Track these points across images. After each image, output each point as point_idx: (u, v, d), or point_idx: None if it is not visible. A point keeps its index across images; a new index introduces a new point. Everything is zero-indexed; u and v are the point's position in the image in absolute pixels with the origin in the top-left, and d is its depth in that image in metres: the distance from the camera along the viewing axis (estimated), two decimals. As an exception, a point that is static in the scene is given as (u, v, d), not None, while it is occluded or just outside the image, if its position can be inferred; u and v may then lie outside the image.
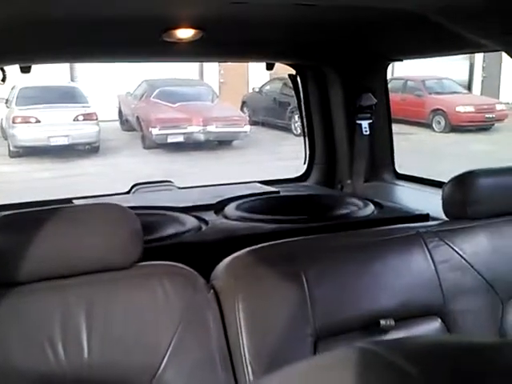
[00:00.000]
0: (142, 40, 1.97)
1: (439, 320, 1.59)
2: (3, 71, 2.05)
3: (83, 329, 1.25)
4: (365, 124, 2.61)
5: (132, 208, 1.44)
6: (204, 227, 2.04)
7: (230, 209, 2.24)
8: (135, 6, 1.55)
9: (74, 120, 10.85)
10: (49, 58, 2.27)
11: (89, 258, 1.29)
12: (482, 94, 16.79)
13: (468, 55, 15.05)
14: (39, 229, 1.24)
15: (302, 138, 2.92)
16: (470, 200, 1.70)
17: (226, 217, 2.17)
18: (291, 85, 2.85)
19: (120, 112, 13.40)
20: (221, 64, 14.39)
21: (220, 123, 11.55)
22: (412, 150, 9.42)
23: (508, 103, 15.11)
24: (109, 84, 13.09)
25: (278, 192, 2.60)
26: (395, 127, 2.85)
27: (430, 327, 1.57)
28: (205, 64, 14.47)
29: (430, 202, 2.14)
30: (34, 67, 2.19)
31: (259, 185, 2.73)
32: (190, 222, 2.04)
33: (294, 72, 2.79)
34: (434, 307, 1.59)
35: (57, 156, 10.51)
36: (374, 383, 0.50)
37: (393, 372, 0.50)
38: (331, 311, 1.46)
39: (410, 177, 2.80)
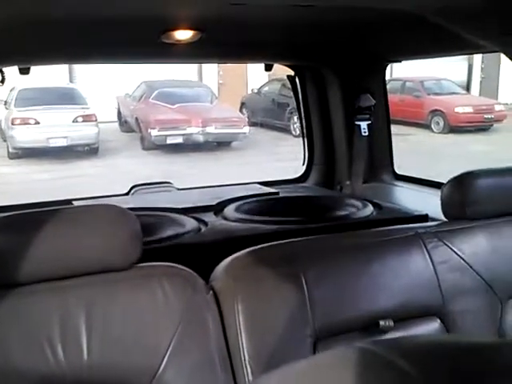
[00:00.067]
0: (140, 41, 1.97)
1: (438, 320, 1.59)
2: (2, 73, 2.05)
3: (83, 330, 1.25)
4: (363, 125, 2.61)
5: (131, 209, 1.44)
6: (203, 228, 2.05)
7: (230, 210, 2.24)
8: (134, 7, 1.55)
9: (73, 121, 10.85)
10: (48, 59, 2.27)
11: (88, 259, 1.29)
12: (480, 95, 16.81)
13: (467, 56, 15.06)
14: (39, 230, 1.24)
15: (300, 138, 2.92)
16: (468, 200, 1.70)
17: (225, 218, 2.17)
18: (290, 86, 2.85)
19: (119, 113, 13.40)
20: (220, 65, 14.39)
21: (219, 124, 11.55)
22: (411, 150, 9.43)
23: (507, 104, 15.13)
24: (108, 85, 13.09)
25: (277, 193, 2.60)
26: (394, 128, 2.85)
27: (430, 328, 1.57)
28: (204, 65, 14.47)
29: (429, 203, 2.14)
30: (33, 69, 2.19)
31: (258, 186, 2.73)
32: (190, 223, 2.05)
33: (292, 73, 2.79)
34: (433, 308, 1.59)
35: (56, 157, 10.50)
36: (373, 383, 0.50)
37: (392, 372, 0.50)
38: (330, 312, 1.46)
39: (409, 177, 2.80)
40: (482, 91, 17.41)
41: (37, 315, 1.24)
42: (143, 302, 1.31)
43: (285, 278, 1.46)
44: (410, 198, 2.60)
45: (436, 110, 13.59)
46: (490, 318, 1.65)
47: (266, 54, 2.49)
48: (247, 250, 1.51)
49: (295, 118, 11.52)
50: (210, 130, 11.49)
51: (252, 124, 13.02)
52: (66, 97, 11.28)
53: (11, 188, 7.78)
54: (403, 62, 2.62)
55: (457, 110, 13.33)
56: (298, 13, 1.58)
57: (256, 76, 13.65)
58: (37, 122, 10.66)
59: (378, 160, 2.77)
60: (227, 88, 15.27)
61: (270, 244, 1.56)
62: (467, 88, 17.15)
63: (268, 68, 2.66)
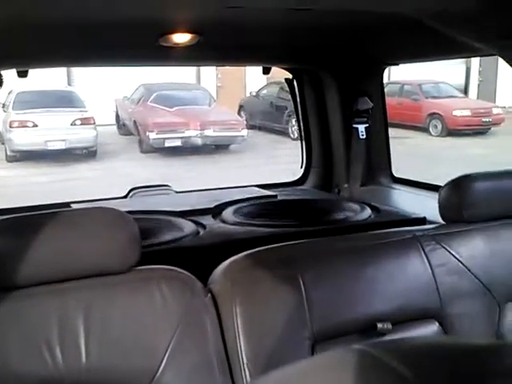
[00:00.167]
0: (139, 44, 1.97)
1: (436, 323, 1.59)
2: (0, 76, 2.05)
3: (81, 332, 1.25)
4: (361, 128, 2.61)
5: (130, 212, 1.44)
6: (201, 231, 2.05)
7: (228, 213, 2.24)
8: (132, 10, 1.56)
9: (71, 124, 10.84)
10: (46, 62, 2.27)
11: (87, 262, 1.29)
12: (478, 98, 16.83)
13: (464, 59, 15.11)
14: (37, 233, 1.24)
15: (298, 141, 2.92)
16: (466, 203, 1.71)
17: (223, 221, 2.17)
18: (288, 89, 2.85)
19: (117, 116, 13.40)
20: (218, 68, 14.40)
21: (217, 127, 11.55)
22: (408, 153, 9.43)
23: (504, 107, 15.15)
24: (106, 88, 13.09)
25: (275, 196, 2.60)
26: (392, 131, 2.85)
27: (428, 330, 1.57)
28: (202, 68, 14.49)
29: (427, 206, 2.14)
30: (31, 71, 2.19)
31: (257, 189, 2.73)
32: (188, 226, 2.05)
33: (290, 76, 2.79)
34: (431, 310, 1.59)
35: (54, 160, 10.49)
36: None
37: (389, 374, 0.50)
38: (328, 314, 1.46)
39: (407, 180, 2.81)
40: (479, 94, 17.44)
41: (35, 318, 1.24)
42: (142, 304, 1.31)
43: (283, 281, 1.46)
44: (408, 201, 2.60)
45: (434, 114, 13.61)
46: (488, 321, 1.65)
47: (264, 57, 2.49)
48: (245, 252, 1.51)
49: (293, 121, 11.51)
50: (209, 132, 11.49)
51: (250, 127, 13.03)
52: (64, 100, 11.28)
53: (9, 191, 7.77)
54: (401, 66, 2.63)
55: (455, 113, 13.36)
56: (295, 16, 1.58)
57: (254, 79, 13.66)
58: (35, 125, 10.65)
59: (376, 163, 2.78)
60: (225, 91, 15.28)
61: (268, 247, 1.56)
62: (465, 91, 17.18)
63: (266, 71, 2.66)
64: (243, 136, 11.85)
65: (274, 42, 2.16)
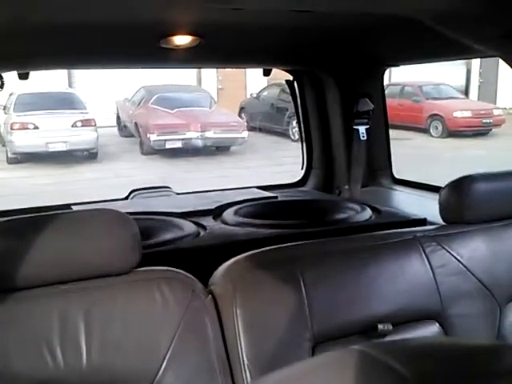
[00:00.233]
0: (139, 46, 1.98)
1: (437, 324, 1.59)
2: (1, 78, 2.06)
3: (82, 334, 1.25)
4: (362, 129, 2.61)
5: (130, 214, 1.44)
6: (202, 233, 2.05)
7: (229, 214, 2.24)
8: (133, 12, 1.56)
9: (72, 126, 10.85)
10: (47, 65, 2.28)
11: (87, 263, 1.29)
12: (479, 100, 16.84)
13: (465, 61, 15.11)
14: (38, 234, 1.24)
15: (299, 143, 2.92)
16: (466, 204, 1.71)
17: (224, 222, 2.18)
18: (289, 90, 2.86)
19: (118, 118, 13.40)
20: (219, 70, 14.43)
21: (218, 129, 11.56)
22: (407, 154, 9.43)
23: (505, 108, 15.16)
24: (107, 90, 13.10)
25: (276, 197, 2.60)
26: (392, 132, 2.86)
27: (428, 331, 1.57)
28: (203, 70, 14.50)
29: (428, 207, 2.14)
30: (32, 73, 2.19)
31: (257, 190, 2.73)
32: (189, 227, 2.05)
33: (291, 77, 2.80)
34: (431, 311, 1.59)
35: (55, 162, 10.50)
36: None
37: (389, 375, 0.50)
38: (329, 316, 1.46)
39: (408, 182, 2.81)
40: (480, 96, 17.44)
41: (36, 319, 1.24)
42: (142, 306, 1.32)
43: (283, 282, 1.46)
44: (409, 202, 2.60)
45: (435, 115, 13.61)
46: (489, 322, 1.65)
47: (265, 59, 2.49)
48: (246, 254, 1.51)
49: (294, 123, 11.51)
50: (209, 134, 11.49)
51: (251, 128, 13.03)
52: (64, 102, 11.29)
53: (10, 192, 7.78)
54: (402, 67, 2.63)
55: (455, 114, 13.36)
56: (296, 18, 1.59)
57: (255, 81, 13.67)
58: (36, 127, 10.66)
59: (377, 164, 2.78)
60: (226, 93, 15.29)
61: (268, 248, 1.56)
62: (466, 92, 17.18)
63: (266, 73, 2.66)
64: (244, 138, 11.85)
65: (275, 44, 2.16)
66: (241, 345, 1.36)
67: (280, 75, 2.95)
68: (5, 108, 11.30)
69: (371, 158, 2.73)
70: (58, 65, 2.53)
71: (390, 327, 1.47)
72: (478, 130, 13.43)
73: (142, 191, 2.67)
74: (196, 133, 11.46)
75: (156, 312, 1.31)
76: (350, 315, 1.50)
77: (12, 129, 10.63)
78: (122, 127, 13.18)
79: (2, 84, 2.07)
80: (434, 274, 1.60)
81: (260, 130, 13.61)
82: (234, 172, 9.62)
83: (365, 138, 2.62)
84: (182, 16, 1.67)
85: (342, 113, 2.65)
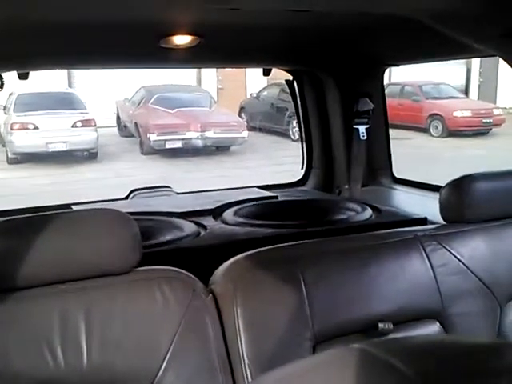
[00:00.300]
0: (139, 46, 1.98)
1: (437, 323, 1.59)
2: (1, 78, 2.06)
3: (82, 333, 1.25)
4: (362, 129, 2.61)
5: (130, 213, 1.44)
6: (202, 232, 2.05)
7: (229, 214, 2.24)
8: (133, 12, 1.56)
9: (72, 126, 10.85)
10: (47, 64, 2.28)
11: (88, 263, 1.30)
12: (478, 99, 16.83)
13: (465, 60, 15.10)
14: (38, 234, 1.24)
15: (299, 143, 2.92)
16: (467, 204, 1.71)
17: (224, 222, 2.18)
18: (288, 90, 2.86)
19: (118, 118, 13.41)
20: (219, 70, 14.43)
21: (218, 129, 11.56)
22: (406, 154, 9.43)
23: (505, 108, 15.15)
24: (107, 90, 13.10)
25: (276, 197, 2.60)
26: (392, 132, 2.86)
27: (429, 330, 1.57)
28: (203, 70, 14.50)
29: (428, 206, 2.14)
30: (32, 74, 2.19)
31: (257, 190, 2.74)
32: (189, 227, 2.05)
33: (291, 77, 2.80)
34: (432, 311, 1.59)
35: (55, 162, 10.50)
36: None
37: (390, 373, 0.50)
38: (330, 315, 1.47)
39: (408, 181, 2.81)
40: (480, 95, 17.44)
41: (37, 319, 1.24)
42: (143, 305, 1.32)
43: (284, 282, 1.46)
44: (409, 202, 2.60)
45: (435, 114, 13.61)
46: (490, 321, 1.65)
47: (265, 59, 2.49)
48: (246, 253, 1.51)
49: (294, 123, 11.53)
50: (209, 134, 11.50)
51: (251, 128, 13.03)
52: (64, 102, 11.29)
53: (10, 192, 7.78)
54: (402, 67, 2.63)
55: (455, 114, 13.36)
56: (295, 18, 1.59)
57: (255, 81, 13.67)
58: (36, 127, 10.66)
59: (377, 164, 2.78)
60: (226, 93, 15.29)
61: (268, 247, 1.56)
62: (466, 92, 17.18)
63: (266, 73, 2.66)
64: (244, 137, 11.85)
65: (275, 44, 2.16)
66: (241, 344, 1.36)
67: (280, 75, 2.95)
68: (5, 108, 11.30)
69: (371, 157, 2.73)
70: (58, 65, 2.53)
71: (391, 326, 1.48)
72: (478, 130, 13.43)
73: (142, 191, 2.67)
74: (196, 133, 11.47)
75: (156, 311, 1.31)
76: (350, 314, 1.50)
77: (12, 129, 10.63)
78: (121, 127, 13.19)
79: (2, 84, 2.07)
80: (434, 273, 1.60)
81: (260, 129, 13.62)
82: (234, 172, 9.63)
83: (365, 137, 2.63)
84: (182, 16, 1.67)
85: (342, 112, 2.65)
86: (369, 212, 2.24)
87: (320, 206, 2.44)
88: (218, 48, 2.09)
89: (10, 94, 11.04)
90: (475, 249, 1.69)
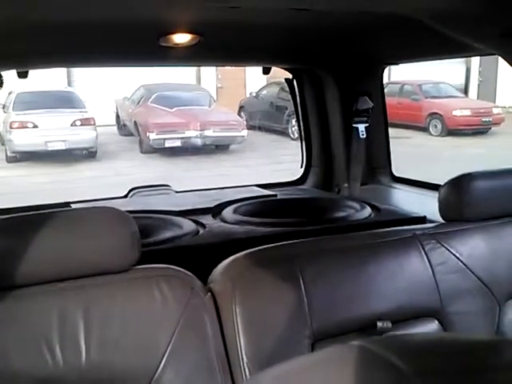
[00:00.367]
0: (139, 45, 1.98)
1: (436, 322, 1.59)
2: (0, 76, 2.05)
3: (81, 332, 1.25)
4: (361, 127, 2.61)
5: (129, 212, 1.44)
6: (201, 231, 2.05)
7: (228, 212, 2.24)
8: (133, 11, 1.56)
9: (71, 125, 10.85)
10: (46, 63, 2.28)
11: (87, 261, 1.30)
12: (478, 98, 16.84)
13: (464, 59, 15.11)
14: (37, 232, 1.24)
15: (298, 141, 2.92)
16: (466, 202, 1.71)
17: (223, 220, 2.18)
18: (288, 89, 2.86)
19: (117, 117, 13.40)
20: (218, 69, 14.42)
21: (217, 128, 11.56)
22: (406, 153, 9.44)
23: (504, 107, 15.16)
24: (106, 89, 13.09)
25: (275, 195, 2.60)
26: (391, 131, 2.86)
27: (428, 329, 1.57)
28: (202, 69, 14.49)
29: (427, 205, 2.15)
30: (31, 72, 2.19)
31: (256, 188, 2.74)
32: (188, 225, 2.05)
33: (290, 76, 2.80)
34: (431, 309, 1.59)
35: (54, 161, 10.50)
36: (369, 381, 0.50)
37: (388, 370, 0.50)
38: (328, 313, 1.47)
39: (407, 180, 2.81)
40: (479, 94, 17.45)
41: (35, 317, 1.24)
42: (142, 303, 1.32)
43: (283, 280, 1.46)
44: (408, 200, 2.60)
45: (434, 113, 13.62)
46: (488, 320, 1.65)
47: (264, 58, 2.49)
48: (245, 251, 1.51)
49: (293, 121, 11.51)
50: (209, 133, 11.50)
51: (250, 127, 13.03)
52: (64, 100, 11.28)
53: (9, 191, 7.77)
54: (401, 65, 2.63)
55: (455, 113, 13.36)
56: (295, 16, 1.59)
57: (255, 79, 13.66)
58: (35, 126, 10.66)
59: (376, 162, 2.78)
60: (226, 91, 15.29)
61: (267, 246, 1.56)
62: (465, 91, 17.18)
63: (266, 71, 2.66)
64: (243, 136, 11.85)
65: (274, 42, 2.16)
66: (240, 342, 1.36)
67: (279, 74, 2.95)
68: (4, 107, 11.30)
69: (370, 156, 2.73)
70: (58, 63, 2.53)
71: (390, 325, 1.48)
72: (478, 129, 13.44)
73: (142, 189, 2.67)
74: (195, 131, 11.47)
75: (155, 309, 1.31)
76: (349, 313, 1.50)
77: (11, 127, 10.62)
78: (121, 126, 13.18)
79: (2, 82, 2.07)
80: (433, 272, 1.61)
81: (259, 128, 13.61)
82: (234, 170, 9.63)
83: (364, 136, 2.63)
84: (182, 14, 1.67)
85: (342, 111, 2.65)
86: (368, 210, 2.24)
87: (319, 204, 2.44)
88: (218, 46, 2.09)
89: (10, 93, 11.04)
90: (474, 247, 1.69)
